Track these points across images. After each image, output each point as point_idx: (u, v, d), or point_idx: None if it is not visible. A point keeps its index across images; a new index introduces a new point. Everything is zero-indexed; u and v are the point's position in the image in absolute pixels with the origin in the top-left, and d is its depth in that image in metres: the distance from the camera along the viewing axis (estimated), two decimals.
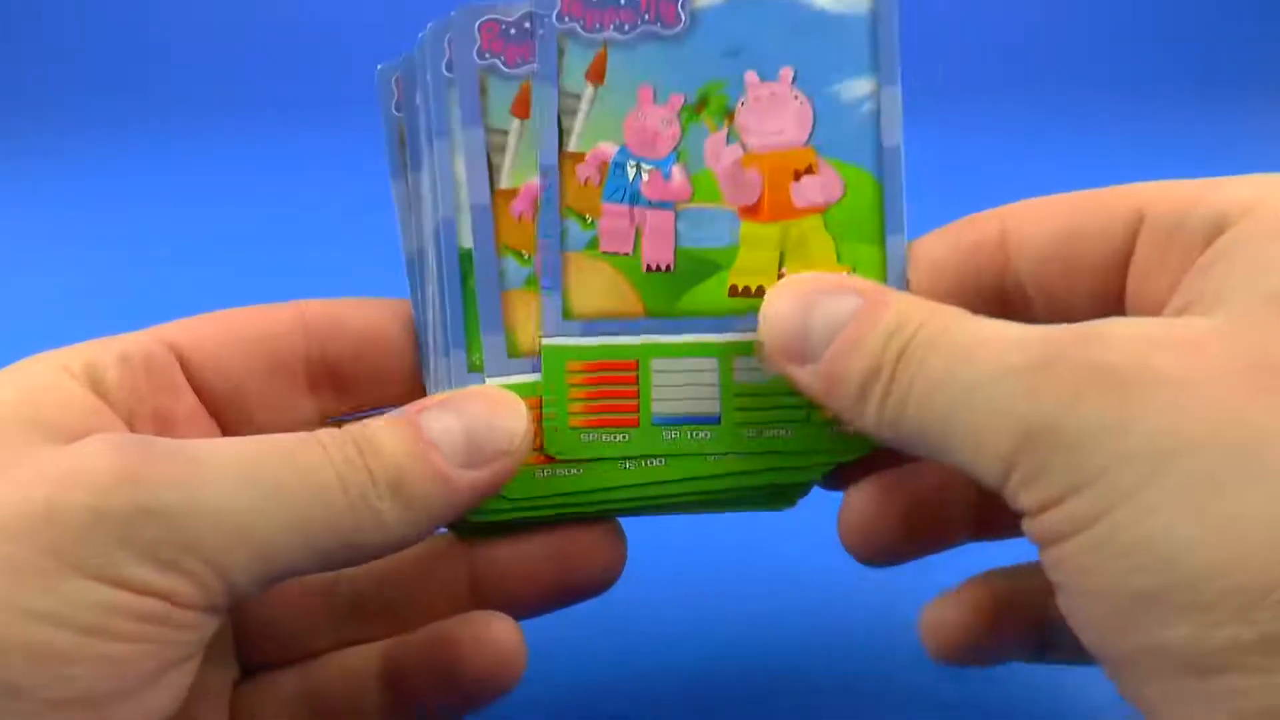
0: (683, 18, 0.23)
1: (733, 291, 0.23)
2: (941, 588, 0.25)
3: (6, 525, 0.17)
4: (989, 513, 0.24)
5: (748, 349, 0.23)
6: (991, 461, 0.18)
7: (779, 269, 0.24)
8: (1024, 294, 0.23)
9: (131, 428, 0.22)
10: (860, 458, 0.24)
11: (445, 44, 0.24)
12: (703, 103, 0.24)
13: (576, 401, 0.23)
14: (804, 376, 0.21)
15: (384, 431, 0.20)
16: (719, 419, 0.23)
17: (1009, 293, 0.23)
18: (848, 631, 0.32)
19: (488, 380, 0.23)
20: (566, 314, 0.23)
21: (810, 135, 0.23)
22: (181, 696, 0.19)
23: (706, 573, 0.34)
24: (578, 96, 0.24)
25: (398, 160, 0.25)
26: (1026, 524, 0.18)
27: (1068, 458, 0.17)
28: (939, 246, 0.24)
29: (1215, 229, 0.20)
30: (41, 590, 0.17)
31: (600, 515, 0.24)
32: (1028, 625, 0.24)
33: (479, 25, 0.24)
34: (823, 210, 0.24)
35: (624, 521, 0.25)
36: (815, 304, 0.21)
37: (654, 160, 0.24)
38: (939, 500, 0.24)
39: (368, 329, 0.25)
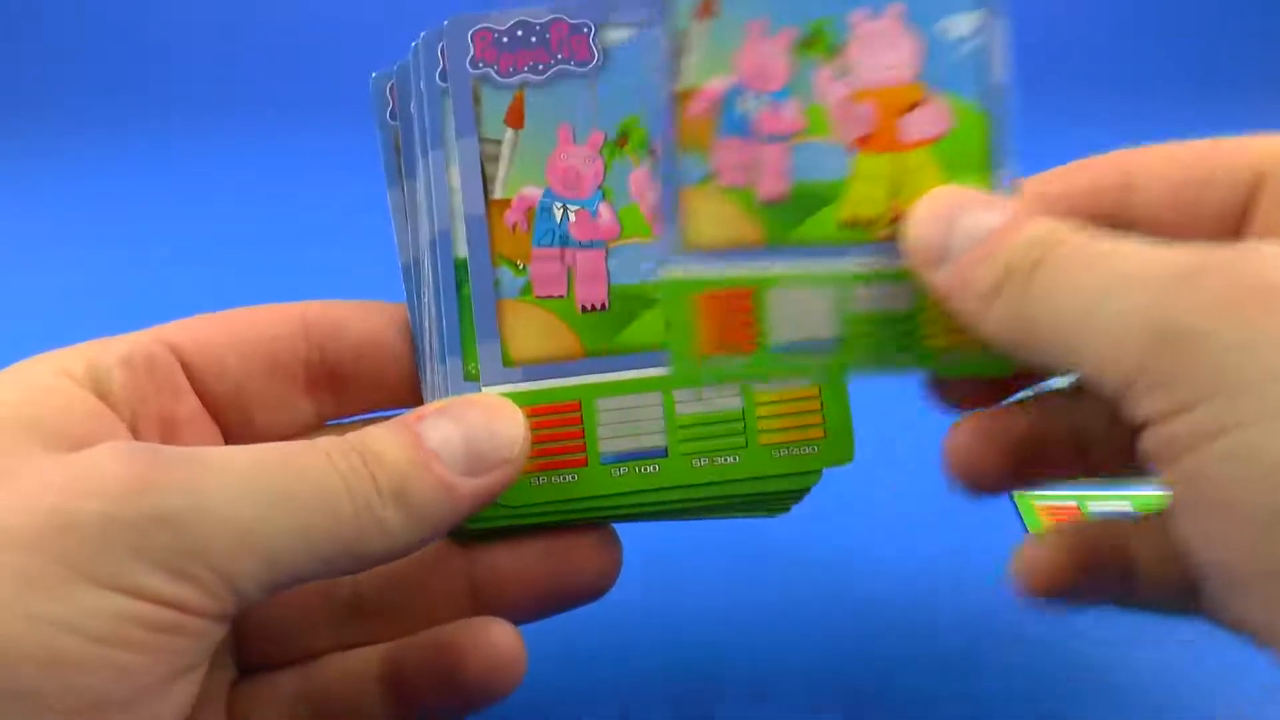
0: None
1: (845, 223, 0.24)
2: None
3: (18, 535, 0.17)
4: (1093, 451, 0.24)
5: (862, 278, 0.23)
6: (1124, 362, 0.18)
7: (891, 200, 0.24)
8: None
9: (134, 430, 0.23)
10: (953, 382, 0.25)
11: (439, 52, 0.24)
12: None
13: (699, 330, 0.23)
14: (939, 277, 0.22)
15: (385, 440, 0.21)
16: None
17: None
18: (846, 634, 0.32)
19: (484, 389, 0.24)
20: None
21: (920, 70, 0.24)
22: (189, 704, 0.20)
23: (703, 576, 0.34)
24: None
25: (393, 168, 0.25)
26: (1149, 435, 0.18)
27: (1208, 365, 0.17)
28: (1055, 185, 0.24)
29: None
30: (55, 599, 0.17)
31: (595, 521, 0.24)
32: (1118, 566, 0.24)
33: (472, 34, 0.24)
34: (933, 143, 0.24)
35: (620, 528, 0.25)
36: (961, 213, 0.22)
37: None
38: (1038, 436, 0.24)
39: (367, 333, 0.25)
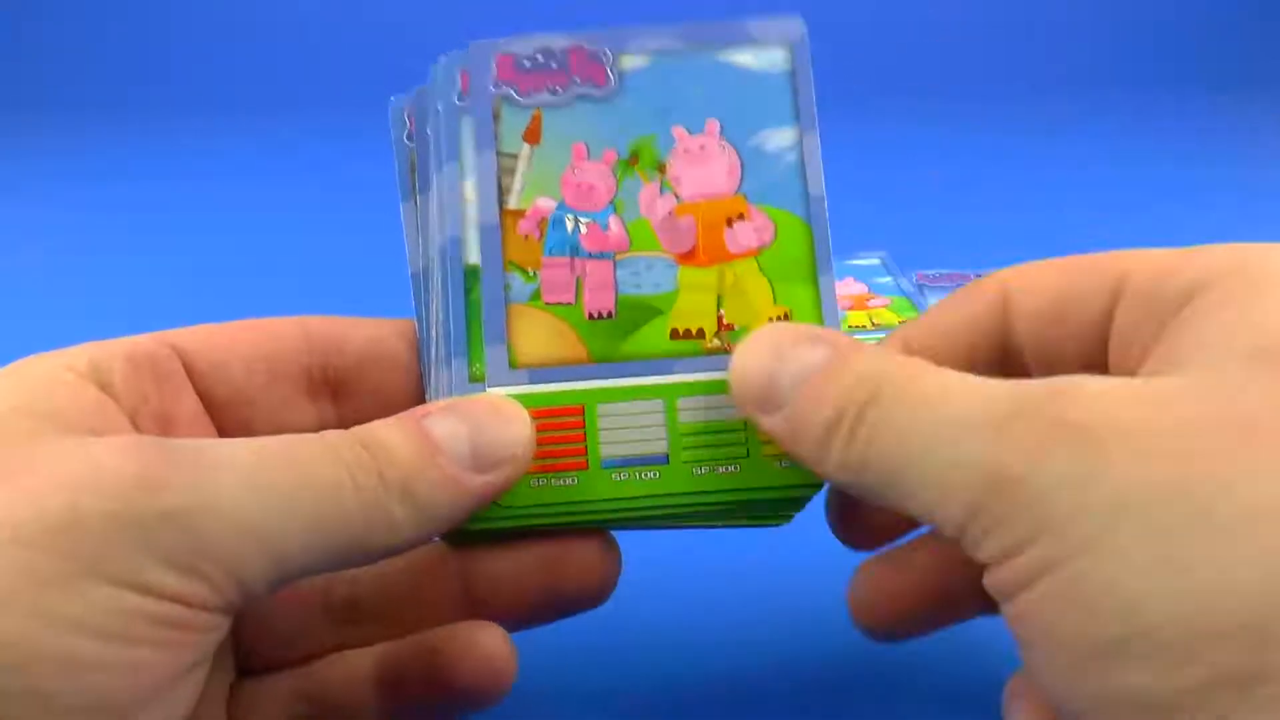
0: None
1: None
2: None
3: (27, 531, 0.17)
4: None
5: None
6: (953, 510, 0.18)
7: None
8: (1021, 359, 0.24)
9: (135, 427, 0.22)
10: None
11: (458, 74, 0.25)
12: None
13: None
14: (771, 423, 0.22)
15: (392, 434, 0.21)
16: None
17: (1009, 358, 0.24)
18: (843, 637, 0.30)
19: (489, 389, 0.24)
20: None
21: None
22: (195, 701, 0.20)
23: (701, 585, 0.33)
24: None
25: (407, 185, 0.26)
26: (988, 576, 0.18)
27: (1029, 508, 0.17)
28: (945, 315, 0.24)
29: (1188, 294, 0.20)
30: (65, 597, 0.17)
31: (594, 526, 0.24)
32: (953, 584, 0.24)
33: (495, 57, 0.25)
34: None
35: (620, 536, 0.25)
36: (786, 354, 0.21)
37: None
38: (944, 575, 0.24)
39: (370, 342, 0.26)
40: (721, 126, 0.24)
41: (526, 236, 0.25)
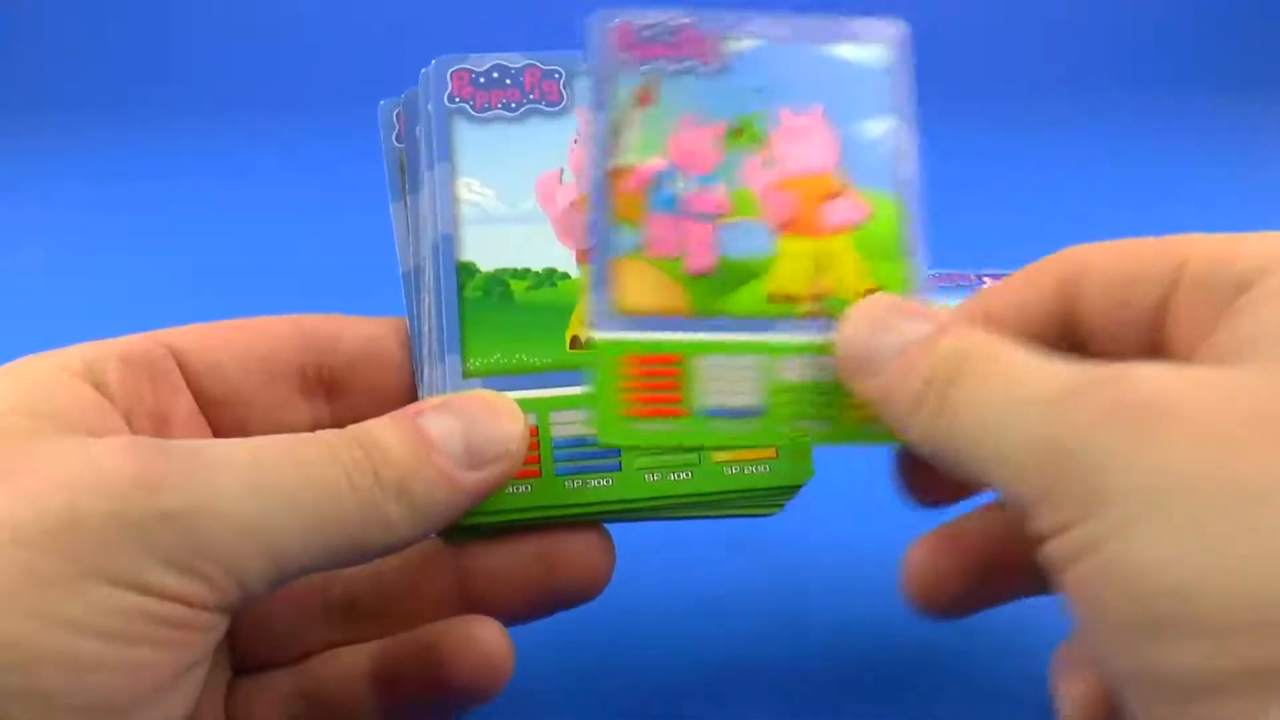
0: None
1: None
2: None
3: (27, 532, 0.17)
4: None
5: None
6: (1018, 482, 0.19)
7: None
8: (1082, 337, 0.24)
9: (130, 427, 0.22)
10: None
11: (448, 77, 0.27)
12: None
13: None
14: (866, 388, 0.23)
15: (387, 433, 0.21)
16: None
17: (1072, 334, 0.24)
18: (843, 632, 0.32)
19: (596, 334, 0.25)
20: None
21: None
22: (194, 699, 0.20)
23: (697, 578, 0.34)
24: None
25: (397, 185, 0.27)
26: (1044, 548, 0.19)
27: (1083, 482, 0.18)
28: (1017, 290, 0.25)
29: (1244, 283, 0.21)
30: (66, 597, 0.17)
31: (587, 520, 0.25)
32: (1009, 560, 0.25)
33: (616, 26, 0.26)
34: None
35: (616, 531, 0.25)
36: (889, 326, 0.23)
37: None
38: (999, 551, 0.25)
39: (363, 342, 0.26)
40: (825, 110, 0.26)
41: (633, 193, 0.26)
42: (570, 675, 0.30)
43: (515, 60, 0.27)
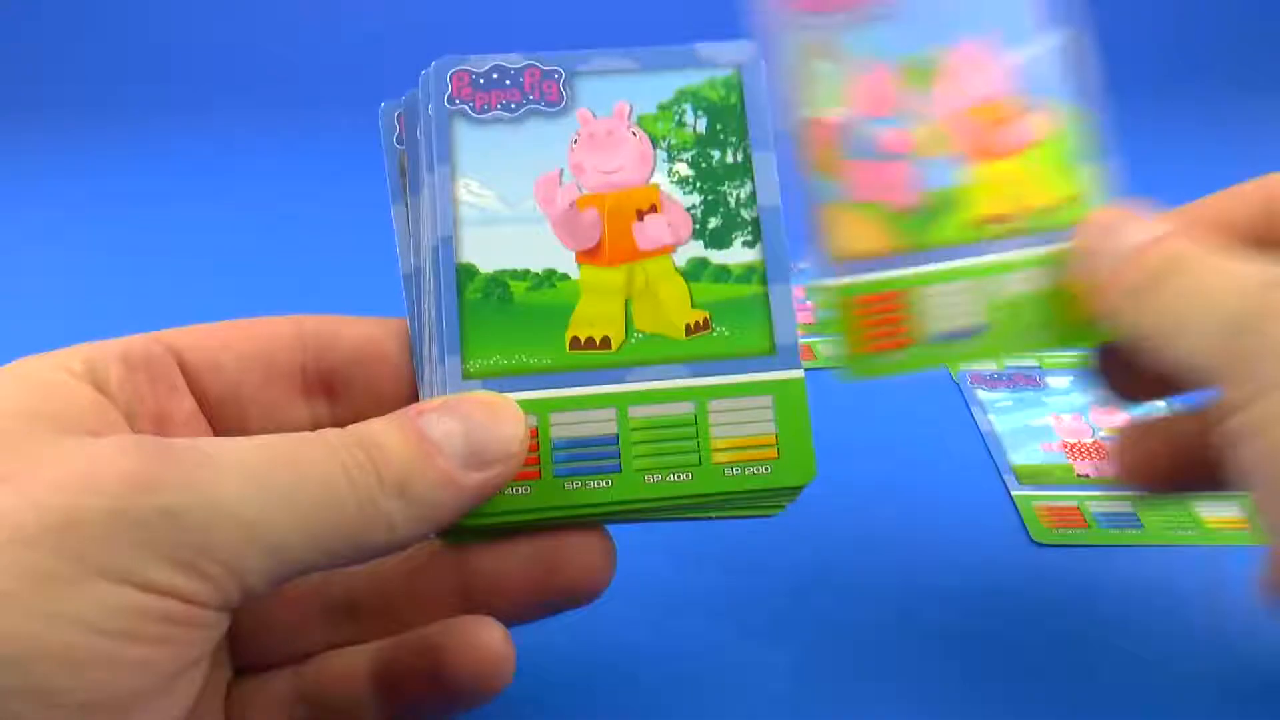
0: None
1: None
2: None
3: (28, 531, 0.17)
4: None
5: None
6: (1209, 360, 0.22)
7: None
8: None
9: (131, 427, 0.22)
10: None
11: (448, 78, 0.26)
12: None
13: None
14: (1098, 273, 0.26)
15: (388, 432, 0.21)
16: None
17: (1267, 252, 0.26)
18: (845, 632, 0.32)
19: (814, 282, 0.26)
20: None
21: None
22: (194, 698, 0.20)
23: (700, 579, 0.34)
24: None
25: (398, 187, 0.27)
26: (1226, 423, 0.21)
27: (1265, 360, 0.20)
28: (1220, 206, 0.27)
29: None
30: (68, 595, 0.17)
31: (588, 521, 0.25)
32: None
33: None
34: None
35: (615, 530, 0.25)
36: (1121, 227, 0.26)
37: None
38: (1199, 446, 0.27)
39: (363, 341, 0.26)
40: (997, 36, 0.28)
41: (825, 144, 0.26)
42: (569, 675, 0.30)
43: (515, 61, 0.27)
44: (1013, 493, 0.39)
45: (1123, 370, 0.28)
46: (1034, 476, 0.40)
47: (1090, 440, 0.42)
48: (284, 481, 0.19)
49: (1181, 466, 0.28)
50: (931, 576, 0.34)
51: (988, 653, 0.31)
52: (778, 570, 0.35)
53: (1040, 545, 0.36)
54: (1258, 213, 0.27)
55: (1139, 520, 0.37)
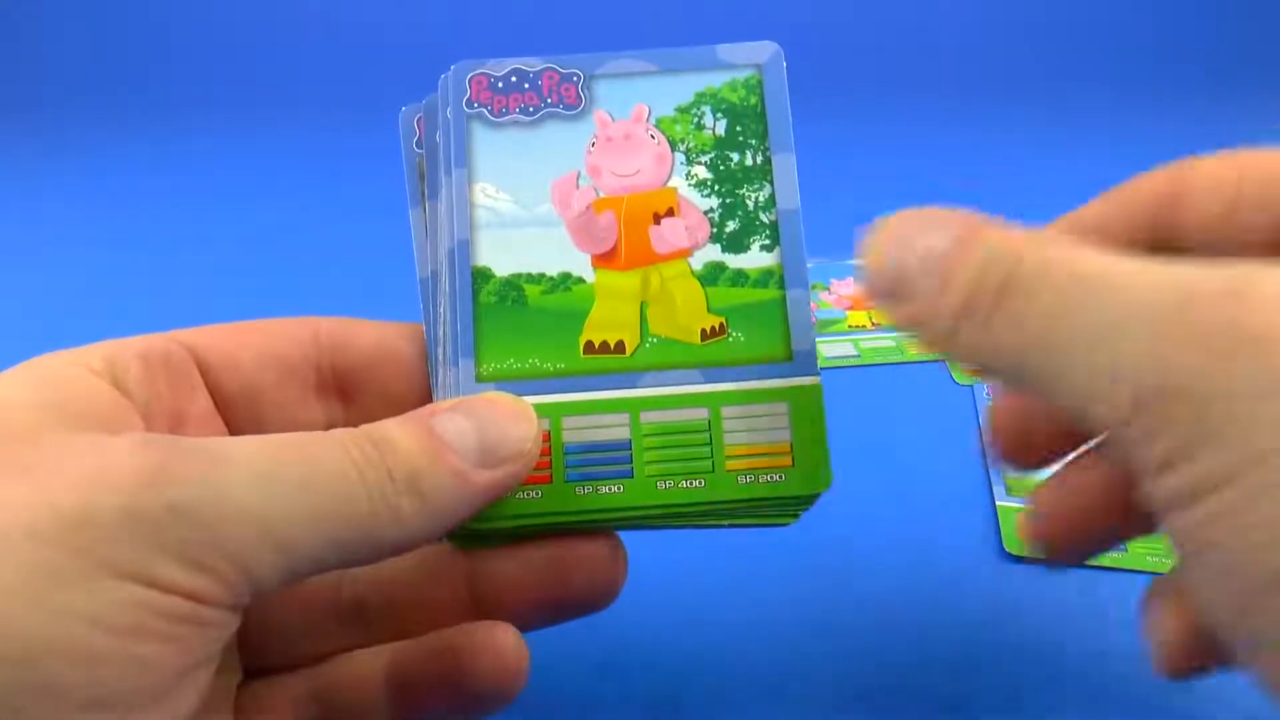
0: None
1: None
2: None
3: (40, 528, 0.17)
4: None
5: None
6: (1111, 406, 0.17)
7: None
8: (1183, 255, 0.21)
9: (148, 424, 0.22)
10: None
11: (466, 83, 0.26)
12: None
13: None
14: (899, 314, 0.20)
15: (399, 431, 0.21)
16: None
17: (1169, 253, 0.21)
18: (849, 637, 0.32)
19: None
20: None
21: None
22: (203, 697, 0.20)
23: (710, 586, 0.34)
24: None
25: (416, 191, 0.27)
26: (1145, 483, 0.17)
27: (1197, 414, 0.16)
28: (1111, 203, 0.23)
29: None
30: (77, 592, 0.17)
31: (599, 527, 0.24)
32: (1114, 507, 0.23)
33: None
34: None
35: (629, 539, 0.25)
36: (909, 241, 0.20)
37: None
38: (1115, 495, 0.23)
39: (378, 343, 0.26)
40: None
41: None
42: (576, 678, 0.30)
43: (534, 64, 0.26)
44: (997, 503, 0.38)
45: (1014, 430, 0.25)
46: (1023, 488, 0.39)
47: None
48: (294, 476, 0.19)
49: (1110, 527, 0.24)
50: (907, 587, 0.34)
51: (949, 666, 0.31)
52: (786, 576, 0.35)
53: (1014, 559, 0.35)
54: (1140, 215, 0.23)
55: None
